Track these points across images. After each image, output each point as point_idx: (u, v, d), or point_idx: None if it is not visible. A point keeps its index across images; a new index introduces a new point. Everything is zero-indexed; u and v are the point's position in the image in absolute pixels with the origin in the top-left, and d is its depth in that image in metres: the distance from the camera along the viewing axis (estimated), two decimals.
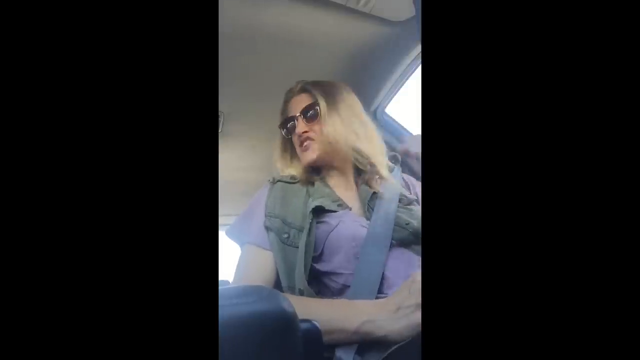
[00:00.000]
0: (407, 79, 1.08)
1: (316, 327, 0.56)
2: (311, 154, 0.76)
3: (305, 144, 0.77)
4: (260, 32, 0.88)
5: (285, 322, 0.40)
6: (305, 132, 0.76)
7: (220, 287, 0.35)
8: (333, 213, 0.70)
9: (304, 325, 0.51)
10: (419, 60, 1.01)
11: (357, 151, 0.75)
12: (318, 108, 0.76)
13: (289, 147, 0.83)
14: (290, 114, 0.80)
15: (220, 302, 0.32)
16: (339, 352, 0.53)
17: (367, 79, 1.08)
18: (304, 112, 0.77)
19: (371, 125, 0.80)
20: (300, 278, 0.63)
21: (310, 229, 0.66)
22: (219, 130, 1.26)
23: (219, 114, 1.19)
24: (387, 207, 0.70)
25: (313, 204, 0.69)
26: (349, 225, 0.67)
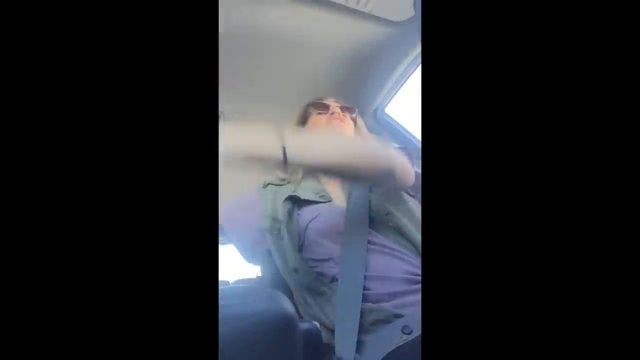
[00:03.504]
0: (407, 79, 1.08)
1: (316, 327, 0.56)
2: (339, 128, 0.83)
3: (337, 116, 0.84)
4: (260, 32, 0.88)
5: (285, 322, 0.40)
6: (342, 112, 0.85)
7: (220, 287, 0.35)
8: (314, 205, 0.73)
9: (304, 325, 0.51)
10: (419, 60, 1.01)
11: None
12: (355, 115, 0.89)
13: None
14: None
15: (220, 302, 0.32)
16: (339, 352, 0.53)
17: (367, 79, 1.08)
18: (341, 107, 0.87)
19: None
20: (291, 258, 0.68)
21: (289, 216, 0.71)
22: (219, 130, 1.26)
23: (219, 114, 1.19)
24: (361, 193, 0.73)
25: (301, 195, 0.74)
26: (327, 216, 0.70)
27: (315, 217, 0.70)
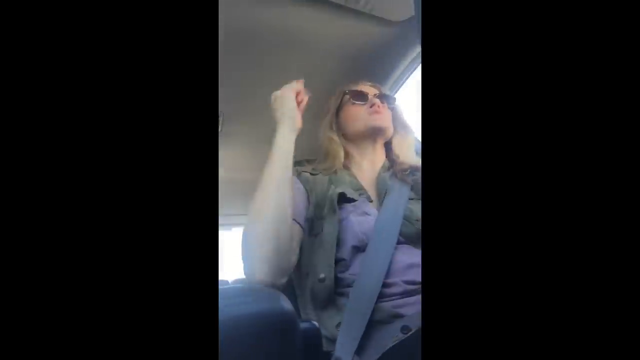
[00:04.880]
0: (407, 79, 1.08)
1: (315, 327, 0.56)
2: (380, 120, 0.80)
3: (376, 108, 0.80)
4: (260, 32, 0.88)
5: (285, 322, 0.40)
6: (378, 104, 0.81)
7: (220, 287, 0.35)
8: (350, 203, 0.69)
9: (303, 325, 0.51)
10: (419, 60, 1.01)
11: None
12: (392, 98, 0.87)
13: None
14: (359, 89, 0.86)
15: (220, 302, 0.32)
16: (338, 352, 0.53)
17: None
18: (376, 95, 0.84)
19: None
20: (325, 266, 0.62)
21: (332, 214, 0.66)
22: (219, 130, 1.26)
23: (219, 114, 1.19)
24: (397, 200, 0.70)
25: (337, 190, 0.69)
26: (360, 216, 0.66)
27: (348, 215, 0.66)
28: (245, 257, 0.59)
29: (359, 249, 0.63)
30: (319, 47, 0.96)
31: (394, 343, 0.50)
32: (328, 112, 0.87)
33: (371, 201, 0.71)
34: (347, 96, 0.85)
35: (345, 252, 0.64)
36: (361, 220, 0.66)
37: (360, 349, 0.53)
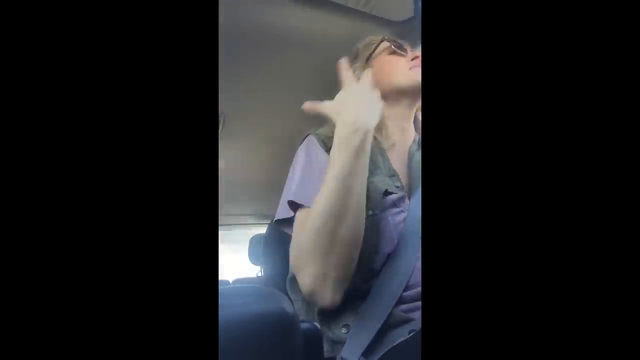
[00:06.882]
0: None
1: (316, 327, 0.56)
2: (419, 76, 0.65)
3: (419, 62, 0.67)
4: (260, 32, 0.89)
5: (285, 323, 0.40)
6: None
7: (220, 287, 0.35)
8: (387, 196, 0.59)
9: (303, 326, 0.51)
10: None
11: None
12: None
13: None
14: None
15: (221, 302, 0.32)
16: (344, 353, 0.53)
17: None
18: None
19: None
20: (358, 277, 0.54)
21: (377, 219, 0.56)
22: (219, 130, 1.27)
23: (219, 114, 1.19)
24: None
25: (377, 183, 0.58)
26: (396, 216, 0.58)
27: (385, 215, 0.57)
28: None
29: (390, 255, 0.57)
30: (319, 47, 0.96)
31: (396, 343, 0.50)
32: (354, 60, 0.69)
33: (406, 196, 0.61)
34: (386, 43, 0.69)
35: (379, 262, 0.56)
36: (397, 221, 0.58)
37: (367, 353, 0.52)
